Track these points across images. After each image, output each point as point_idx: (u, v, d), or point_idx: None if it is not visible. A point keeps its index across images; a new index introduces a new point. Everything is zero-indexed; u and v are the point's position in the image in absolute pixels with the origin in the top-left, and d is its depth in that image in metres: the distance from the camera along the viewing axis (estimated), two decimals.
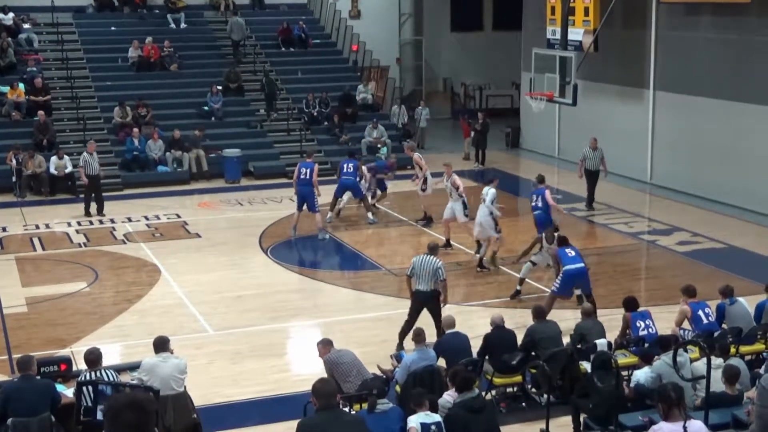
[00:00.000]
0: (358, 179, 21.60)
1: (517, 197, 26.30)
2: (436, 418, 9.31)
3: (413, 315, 13.83)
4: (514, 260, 18.30)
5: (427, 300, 13.83)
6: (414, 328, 11.81)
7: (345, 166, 21.71)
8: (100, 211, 22.64)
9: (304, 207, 20.27)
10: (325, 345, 11.42)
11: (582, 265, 15.00)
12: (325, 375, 10.96)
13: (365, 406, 9.81)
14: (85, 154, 22.81)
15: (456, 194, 19.11)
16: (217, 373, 13.46)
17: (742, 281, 17.05)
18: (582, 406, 10.92)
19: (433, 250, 14.16)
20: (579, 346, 12.17)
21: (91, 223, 22.01)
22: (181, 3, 32.62)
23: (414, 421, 9.24)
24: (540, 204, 18.04)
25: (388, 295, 16.94)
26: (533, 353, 12.18)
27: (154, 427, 4.44)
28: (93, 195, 22.77)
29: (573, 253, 15.14)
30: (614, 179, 24.81)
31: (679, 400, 7.15)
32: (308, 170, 20.21)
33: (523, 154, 31.08)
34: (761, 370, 10.81)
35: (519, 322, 14.08)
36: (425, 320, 13.68)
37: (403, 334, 13.80)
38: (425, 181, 21.04)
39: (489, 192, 18.53)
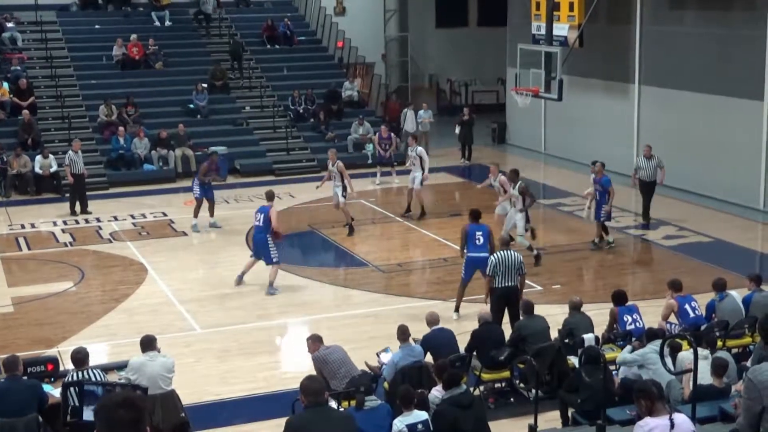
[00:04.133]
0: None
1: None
2: (422, 416, 9.23)
3: (500, 315, 13.78)
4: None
5: (513, 296, 13.95)
6: (399, 325, 11.80)
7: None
8: (84, 210, 22.58)
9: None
10: (315, 341, 11.39)
11: (486, 254, 14.92)
12: (313, 372, 10.95)
13: (353, 403, 9.80)
14: (70, 152, 22.72)
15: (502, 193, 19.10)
16: (205, 371, 13.44)
17: (728, 274, 17.09)
18: (570, 401, 10.95)
19: (508, 244, 14.40)
20: (566, 341, 12.20)
21: (77, 222, 21.94)
22: (165, 0, 32.51)
23: (399, 424, 9.17)
24: None
25: (375, 292, 16.95)
26: (521, 348, 12.21)
27: (147, 426, 4.44)
28: (77, 193, 22.71)
29: (482, 240, 15.17)
30: None
31: (660, 394, 7.17)
32: (262, 215, 16.91)
33: (510, 149, 31.10)
34: (748, 363, 10.86)
35: (507, 317, 14.10)
36: (409, 318, 13.67)
37: None
38: (344, 189, 20.32)
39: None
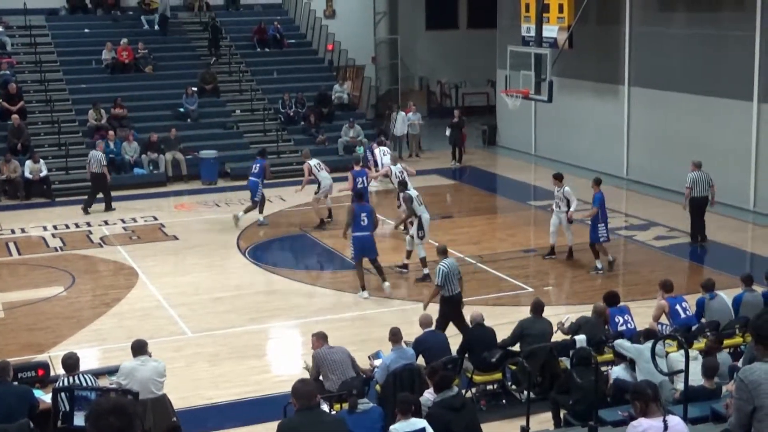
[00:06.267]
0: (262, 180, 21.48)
1: (495, 194, 26.37)
2: (420, 424, 9.06)
3: (446, 322, 13.72)
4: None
5: (460, 302, 13.99)
6: (391, 328, 11.80)
7: (253, 166, 21.88)
8: (109, 207, 23.14)
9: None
10: (319, 338, 11.44)
11: (369, 233, 16.28)
12: (305, 376, 10.94)
13: (346, 406, 9.79)
14: (98, 153, 23.09)
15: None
16: (197, 375, 13.41)
17: (718, 275, 17.13)
18: (562, 402, 10.96)
19: (445, 252, 14.44)
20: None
21: (67, 226, 21.85)
22: (155, 4, 32.48)
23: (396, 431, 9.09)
24: None
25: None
26: (514, 349, 12.23)
27: (138, 431, 4.44)
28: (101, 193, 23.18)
29: (366, 221, 16.15)
30: (591, 175, 24.84)
31: (655, 396, 7.18)
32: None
33: (500, 151, 31.14)
34: (739, 363, 10.88)
35: (499, 319, 14.11)
36: (401, 321, 13.68)
37: None
38: (319, 185, 21.10)
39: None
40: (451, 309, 13.82)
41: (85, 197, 23.24)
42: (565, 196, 18.18)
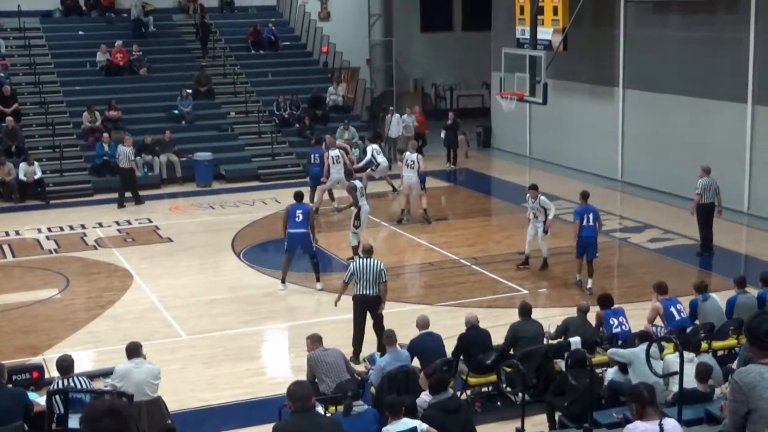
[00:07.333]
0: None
1: (490, 197, 26.38)
2: (412, 424, 9.05)
3: (362, 322, 13.77)
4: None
5: (372, 304, 13.86)
6: (385, 330, 11.80)
7: (312, 156, 23.29)
8: (138, 201, 23.85)
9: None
10: (313, 341, 11.44)
11: (304, 230, 16.79)
12: (300, 378, 10.92)
13: (341, 408, 9.79)
14: (126, 148, 23.67)
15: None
16: (192, 377, 13.40)
17: (713, 277, 17.18)
18: (557, 405, 10.96)
19: (370, 252, 14.31)
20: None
21: (61, 229, 21.83)
22: (149, 6, 32.48)
23: None
24: None
25: None
26: (510, 351, 12.23)
27: None
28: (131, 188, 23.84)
29: (301, 218, 16.75)
30: (585, 177, 24.96)
31: (652, 399, 7.18)
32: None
33: (495, 153, 31.16)
34: (733, 365, 10.89)
35: (494, 321, 14.11)
36: (395, 323, 13.69)
37: (358, 344, 13.75)
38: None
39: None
40: (354, 309, 13.85)
41: (116, 195, 23.86)
42: (542, 206, 17.64)
